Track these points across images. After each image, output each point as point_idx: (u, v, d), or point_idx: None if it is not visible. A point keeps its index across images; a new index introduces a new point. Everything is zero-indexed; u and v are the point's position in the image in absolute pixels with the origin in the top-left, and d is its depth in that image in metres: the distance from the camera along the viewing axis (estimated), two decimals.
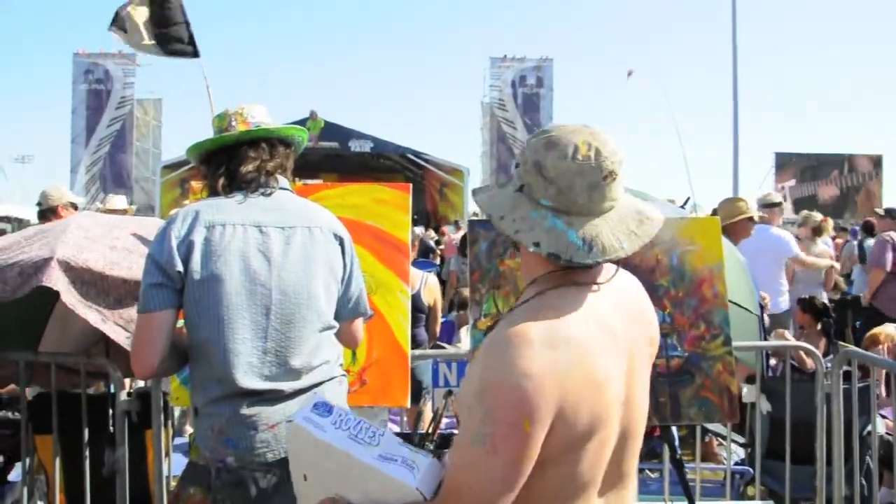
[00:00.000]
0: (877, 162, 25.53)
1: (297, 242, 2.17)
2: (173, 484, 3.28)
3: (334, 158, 21.30)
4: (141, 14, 6.86)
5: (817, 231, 7.94)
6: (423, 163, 22.75)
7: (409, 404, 2.93)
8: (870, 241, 9.09)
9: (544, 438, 1.29)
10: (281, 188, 2.26)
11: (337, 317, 2.27)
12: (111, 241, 2.76)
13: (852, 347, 3.75)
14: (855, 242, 10.20)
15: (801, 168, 24.15)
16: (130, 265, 2.67)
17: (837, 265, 8.43)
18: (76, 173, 24.30)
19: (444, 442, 2.89)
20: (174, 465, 3.55)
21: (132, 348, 2.11)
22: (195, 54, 7.05)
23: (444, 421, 3.07)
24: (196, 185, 3.10)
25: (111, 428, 3.04)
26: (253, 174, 2.22)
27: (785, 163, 24.15)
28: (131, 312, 2.56)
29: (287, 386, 2.10)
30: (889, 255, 7.04)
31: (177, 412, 4.62)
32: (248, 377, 2.05)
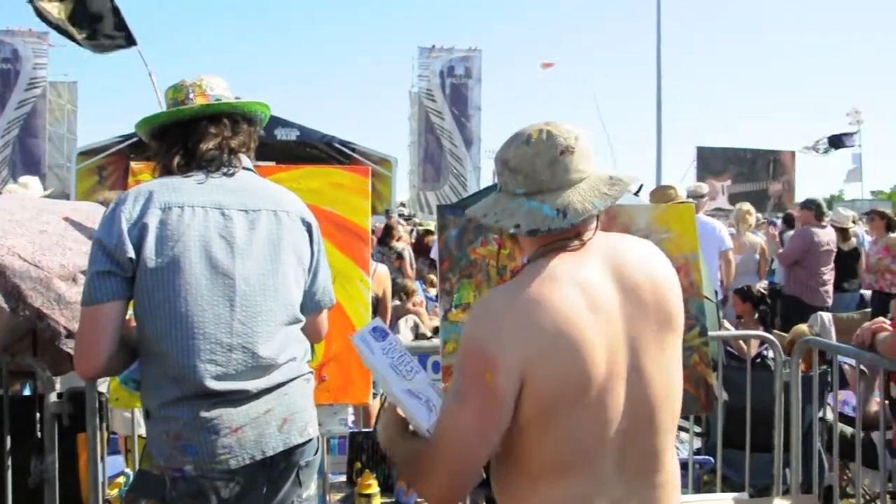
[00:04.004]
0: (790, 159, 26.68)
1: (262, 227, 1.97)
2: (109, 492, 3.02)
3: (259, 147, 20.61)
4: (60, 9, 6.25)
5: (741, 222, 8.17)
6: (350, 152, 22.34)
7: (371, 401, 2.76)
8: (790, 233, 9.44)
9: (520, 396, 1.38)
10: (244, 168, 2.06)
11: (301, 309, 2.07)
12: (40, 225, 2.47)
13: (812, 336, 3.77)
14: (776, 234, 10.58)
15: (735, 173, 25.09)
16: (64, 252, 2.40)
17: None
18: None
19: None
20: (108, 467, 3.27)
21: (76, 345, 1.88)
22: (130, 43, 6.51)
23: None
24: (136, 165, 2.83)
25: (38, 433, 2.75)
26: (214, 152, 2.01)
27: (708, 157, 24.91)
28: (75, 308, 2.30)
29: (252, 385, 1.90)
30: (799, 250, 7.40)
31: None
32: (209, 377, 1.84)
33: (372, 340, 1.62)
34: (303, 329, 2.10)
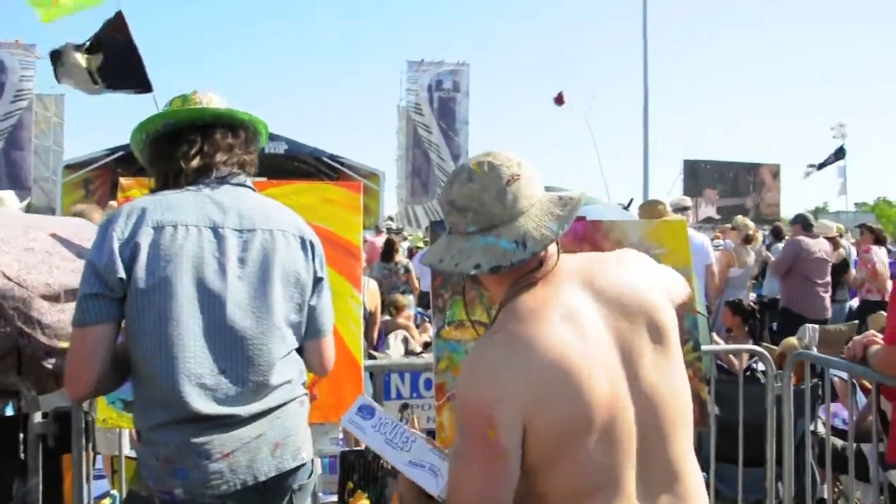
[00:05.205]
0: (775, 173, 26.93)
1: (256, 248, 1.92)
2: None
3: None
4: (89, 60, 6.30)
5: (748, 240, 8.23)
6: (338, 166, 22.32)
7: None
8: (778, 246, 9.55)
9: (528, 442, 1.35)
10: (244, 185, 2.02)
11: (306, 333, 2.04)
12: (27, 242, 2.43)
13: (804, 350, 3.78)
14: (764, 246, 10.69)
15: (721, 190, 25.33)
16: (51, 270, 2.36)
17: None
18: None
19: None
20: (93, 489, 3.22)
21: (67, 367, 1.83)
22: (147, 89, 6.51)
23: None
24: (126, 181, 2.79)
25: (22, 454, 2.70)
26: (226, 168, 1.97)
27: (694, 170, 25.10)
28: (56, 328, 2.27)
29: (244, 410, 1.85)
30: (789, 258, 7.47)
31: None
32: (199, 400, 1.80)
33: (360, 420, 1.61)
34: (302, 354, 2.06)
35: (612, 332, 1.43)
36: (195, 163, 1.95)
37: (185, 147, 1.96)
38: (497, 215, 1.42)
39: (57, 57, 6.41)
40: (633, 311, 1.46)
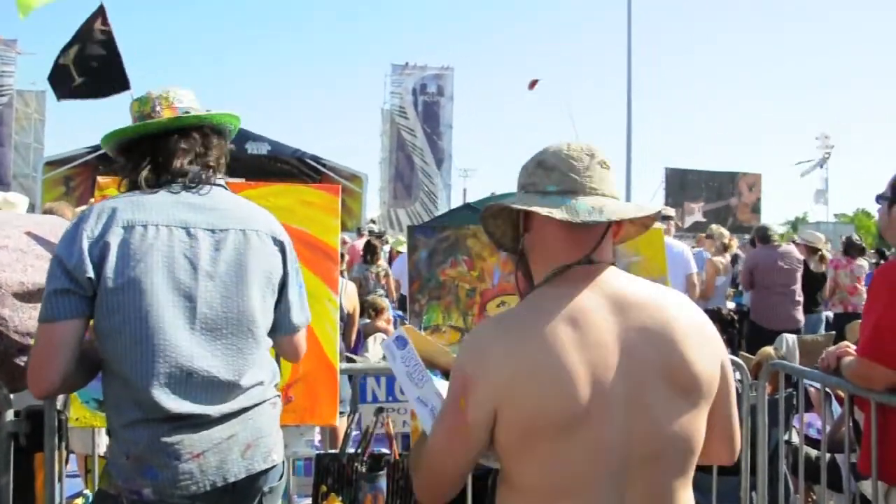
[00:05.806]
0: (752, 186, 27.14)
1: (228, 248, 1.92)
2: None
3: (230, 161, 20.45)
4: (69, 55, 6.23)
5: (725, 248, 8.33)
6: (320, 167, 22.25)
7: (338, 422, 2.72)
8: None
9: (497, 427, 1.40)
10: (216, 184, 2.02)
11: (277, 329, 2.03)
12: (0, 240, 2.41)
13: (777, 359, 3.81)
14: (743, 256, 10.80)
15: (706, 196, 25.52)
16: (25, 269, 2.34)
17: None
18: None
19: (376, 463, 2.71)
20: (66, 489, 3.18)
21: (30, 362, 1.83)
22: (124, 88, 6.45)
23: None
24: (103, 180, 2.78)
25: None
26: (188, 169, 1.96)
27: (675, 179, 25.29)
28: (28, 325, 2.25)
29: (214, 410, 1.85)
30: (745, 272, 7.59)
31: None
32: (169, 400, 1.79)
33: (395, 348, 1.72)
34: (278, 348, 2.07)
35: (620, 352, 1.40)
36: (146, 173, 1.96)
37: (137, 158, 1.98)
38: (581, 184, 1.47)
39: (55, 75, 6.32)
40: (654, 345, 1.43)
